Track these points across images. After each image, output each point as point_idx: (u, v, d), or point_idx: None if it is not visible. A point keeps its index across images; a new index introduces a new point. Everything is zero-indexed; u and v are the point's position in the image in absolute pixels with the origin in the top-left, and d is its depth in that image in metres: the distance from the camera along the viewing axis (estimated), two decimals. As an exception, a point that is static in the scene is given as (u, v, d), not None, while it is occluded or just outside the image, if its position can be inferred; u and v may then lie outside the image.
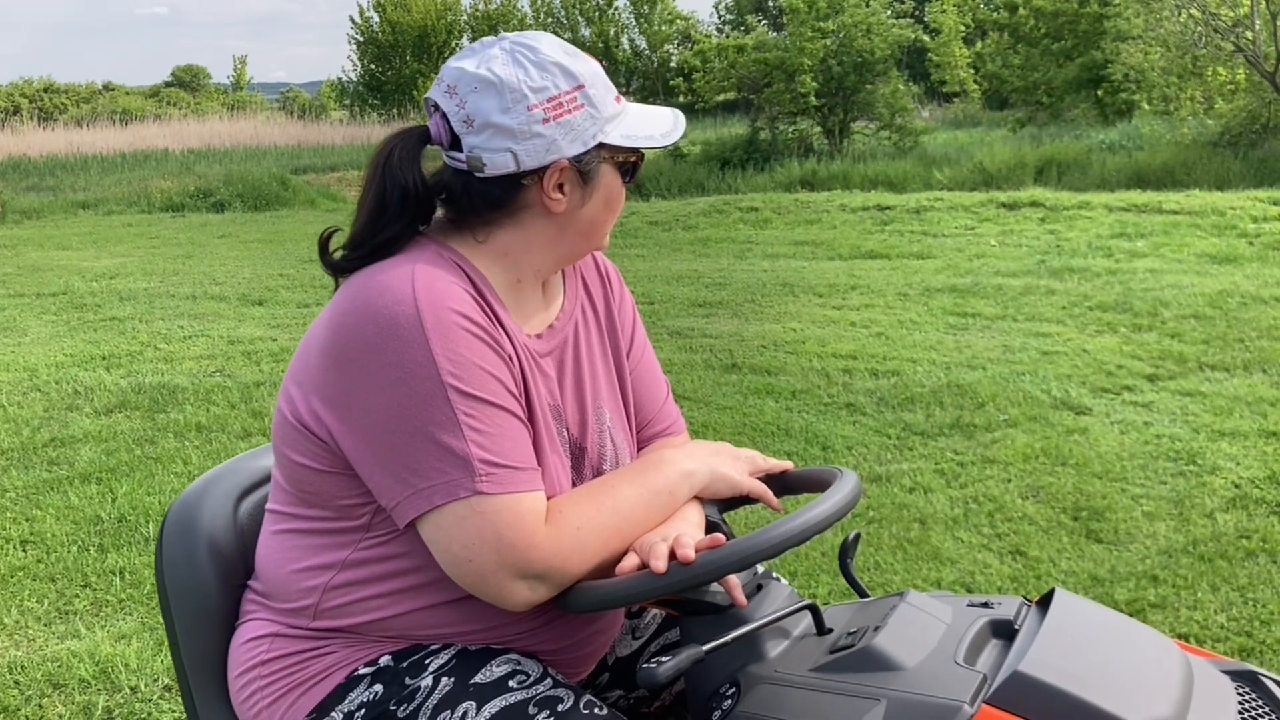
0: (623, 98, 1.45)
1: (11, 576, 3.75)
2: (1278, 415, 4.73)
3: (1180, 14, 15.58)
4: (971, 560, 3.59)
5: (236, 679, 1.46)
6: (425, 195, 1.40)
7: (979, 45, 26.08)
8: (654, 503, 1.36)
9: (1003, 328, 6.57)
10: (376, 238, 1.38)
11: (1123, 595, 3.31)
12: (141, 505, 4.30)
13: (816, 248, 9.98)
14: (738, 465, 1.47)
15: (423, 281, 1.31)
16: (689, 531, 1.33)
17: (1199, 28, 15.20)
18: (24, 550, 3.96)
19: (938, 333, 6.52)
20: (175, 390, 5.90)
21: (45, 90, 42.66)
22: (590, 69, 1.40)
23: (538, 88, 1.35)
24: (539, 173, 1.37)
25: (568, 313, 1.53)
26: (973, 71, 26.74)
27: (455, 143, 1.38)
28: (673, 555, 1.25)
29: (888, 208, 11.49)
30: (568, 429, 1.47)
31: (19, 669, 3.12)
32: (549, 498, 1.35)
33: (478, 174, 1.38)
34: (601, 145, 1.39)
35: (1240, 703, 1.22)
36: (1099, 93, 19.99)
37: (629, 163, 1.46)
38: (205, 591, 1.51)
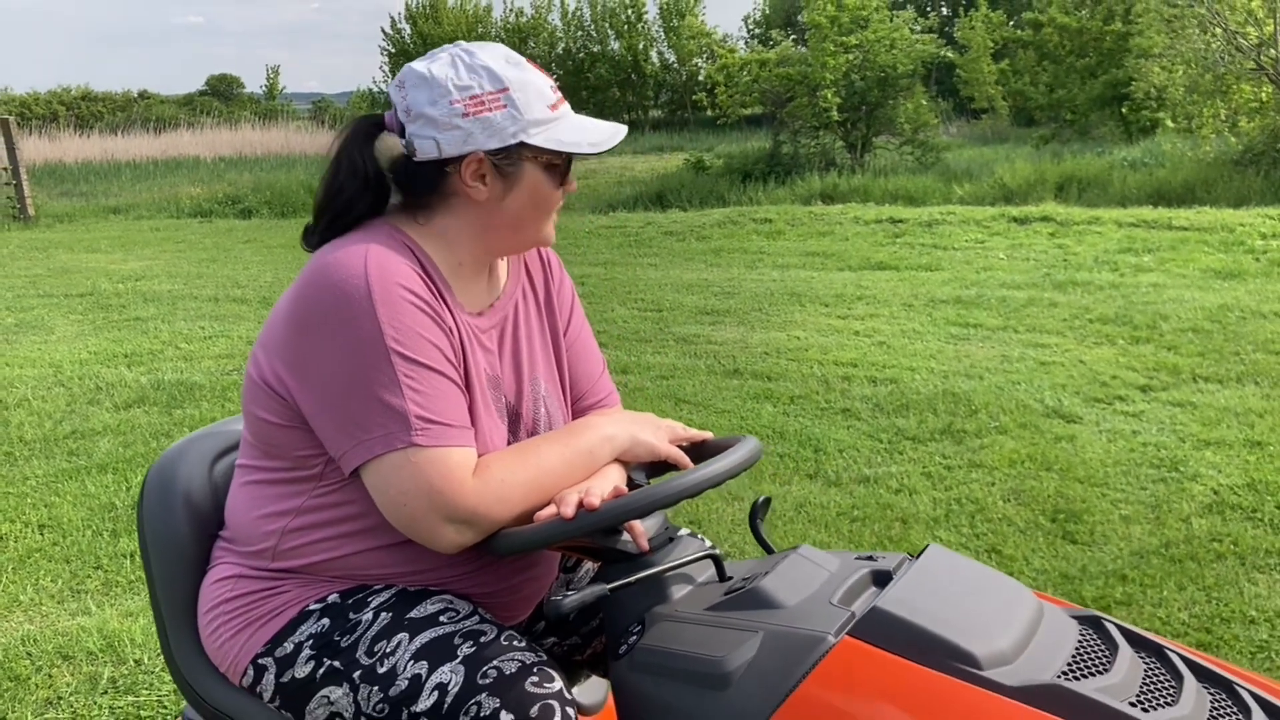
0: (563, 106, 1.57)
1: (29, 558, 3.93)
2: (1264, 425, 4.81)
3: (1204, 33, 15.59)
4: (946, 557, 3.70)
5: (204, 616, 1.63)
6: (376, 174, 1.58)
7: (1006, 63, 26.10)
8: (575, 461, 1.52)
9: (1003, 338, 6.67)
10: (332, 206, 1.57)
11: (1090, 592, 3.41)
12: (154, 493, 4.48)
13: (827, 259, 10.09)
14: (659, 433, 1.62)
15: (374, 260, 1.48)
16: (601, 485, 1.49)
17: (1222, 47, 15.21)
18: (41, 534, 4.15)
19: (939, 342, 6.63)
20: (193, 387, 6.10)
21: (82, 98, 43.32)
22: (523, 78, 1.54)
23: (463, 85, 1.52)
24: (459, 161, 1.54)
25: (509, 294, 1.70)
26: (1000, 88, 26.77)
27: (402, 130, 1.56)
28: (581, 504, 1.41)
29: (900, 221, 11.57)
30: (505, 397, 1.63)
31: (31, 641, 3.29)
32: (482, 455, 1.51)
33: (413, 158, 1.55)
34: (524, 145, 1.54)
35: (1079, 642, 1.35)
36: (1123, 110, 19.99)
37: (554, 165, 1.57)
38: (181, 542, 1.68)
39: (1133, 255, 9.14)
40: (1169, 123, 17.84)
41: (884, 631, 1.31)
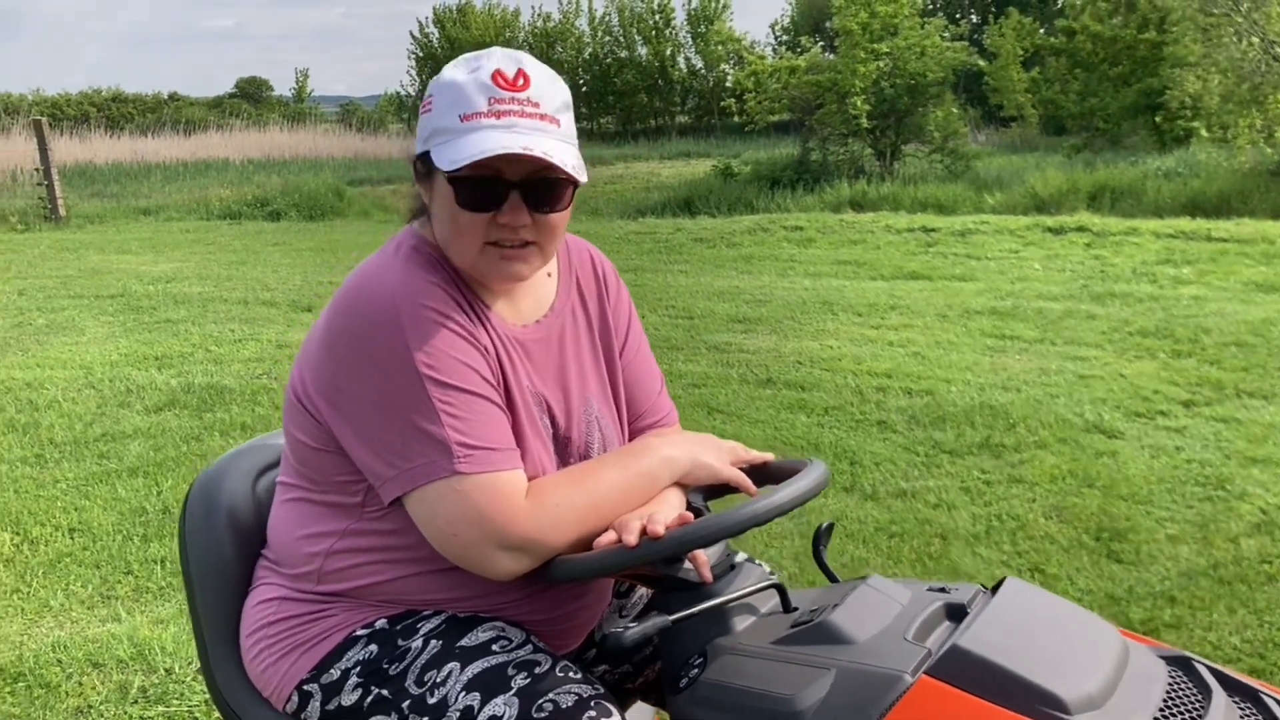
0: (482, 120, 1.40)
1: (59, 562, 3.90)
2: (1312, 443, 4.70)
3: (1240, 41, 15.41)
4: (989, 576, 3.62)
5: (247, 638, 1.58)
6: None
7: (1036, 71, 25.92)
8: (634, 485, 1.45)
9: (1040, 350, 6.57)
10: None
11: (1138, 615, 3.32)
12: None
13: (859, 268, 10.00)
14: (720, 454, 1.55)
15: (402, 281, 1.42)
16: (665, 511, 1.42)
17: (1259, 56, 15.03)
18: (71, 538, 4.13)
19: (975, 354, 6.53)
20: (223, 391, 6.08)
21: (113, 100, 43.68)
22: (454, 82, 1.43)
23: (428, 90, 1.49)
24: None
25: (557, 311, 1.62)
26: (1030, 96, 26.60)
27: None
28: (644, 531, 1.34)
29: (933, 230, 11.47)
30: (551, 417, 1.56)
31: (61, 648, 3.26)
32: (531, 478, 1.44)
33: None
34: (428, 151, 1.45)
35: (1169, 684, 1.28)
36: (1156, 119, 19.78)
37: (455, 181, 1.42)
38: (223, 559, 1.63)
39: (1171, 267, 9.01)
40: (1203, 132, 17.64)
41: (964, 671, 1.23)
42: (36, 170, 16.09)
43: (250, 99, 53.52)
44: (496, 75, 1.41)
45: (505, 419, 1.45)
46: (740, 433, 5.14)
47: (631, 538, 1.33)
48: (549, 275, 1.64)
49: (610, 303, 1.70)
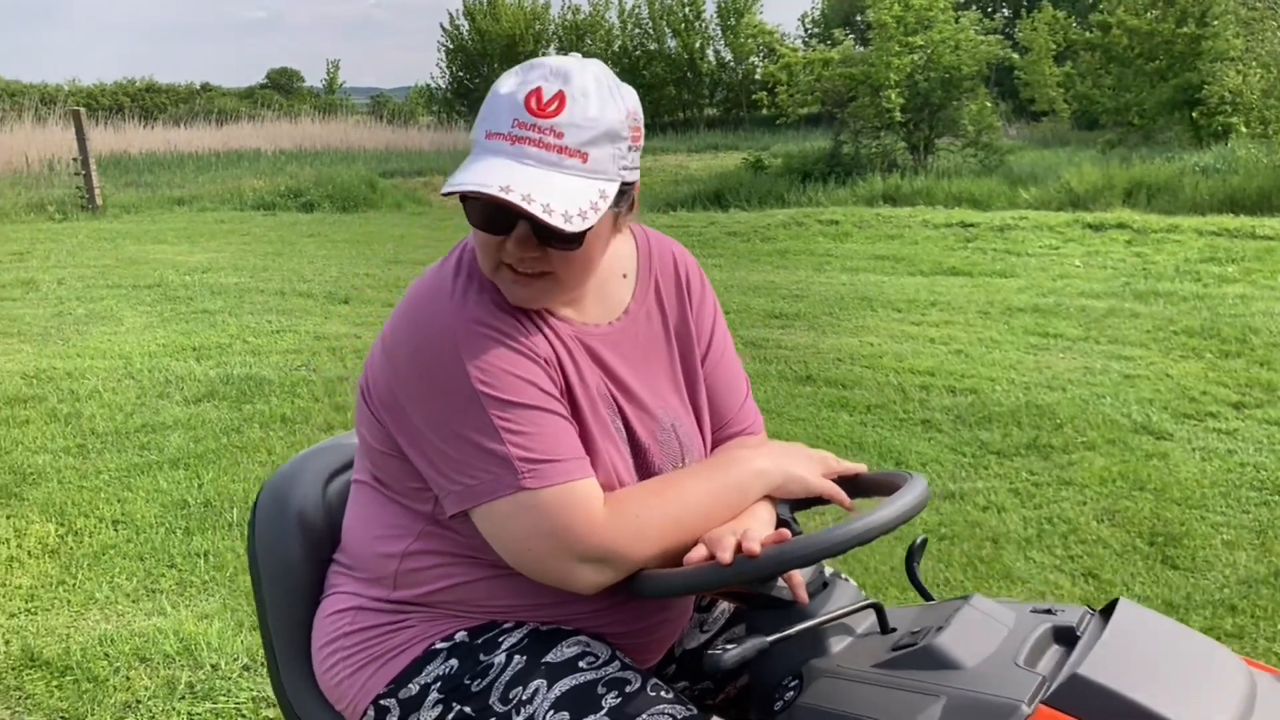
0: (499, 140, 1.31)
1: (104, 554, 3.90)
2: (1369, 448, 4.60)
3: (1282, 35, 15.19)
4: (1043, 580, 3.56)
5: (320, 650, 1.54)
6: None
7: (1069, 65, 25.65)
8: (722, 498, 1.40)
9: (1084, 349, 6.47)
10: None
11: (1198, 623, 3.25)
12: (226, 491, 4.45)
13: (897, 263, 9.90)
14: (811, 466, 1.49)
15: (458, 297, 1.38)
16: (757, 527, 1.36)
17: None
18: (115, 530, 4.12)
19: (1018, 352, 6.44)
20: (262, 382, 6.08)
21: (147, 90, 43.98)
22: (496, 91, 1.34)
23: None
24: None
25: (632, 314, 1.55)
26: (1062, 91, 26.33)
27: None
28: (739, 548, 1.28)
29: (971, 225, 11.35)
30: (624, 419, 1.49)
31: (109, 642, 3.26)
32: (606, 485, 1.39)
33: None
34: None
35: None
36: (1194, 115, 19.51)
37: (460, 198, 1.35)
38: (293, 564, 1.59)
39: (1215, 265, 8.87)
40: (1243, 128, 17.40)
41: (1086, 701, 1.17)
42: (74, 160, 16.17)
43: (281, 90, 53.74)
44: (532, 96, 1.30)
45: (572, 429, 1.39)
46: (781, 431, 5.09)
47: (726, 555, 1.27)
48: (624, 276, 1.57)
49: (692, 306, 1.62)
